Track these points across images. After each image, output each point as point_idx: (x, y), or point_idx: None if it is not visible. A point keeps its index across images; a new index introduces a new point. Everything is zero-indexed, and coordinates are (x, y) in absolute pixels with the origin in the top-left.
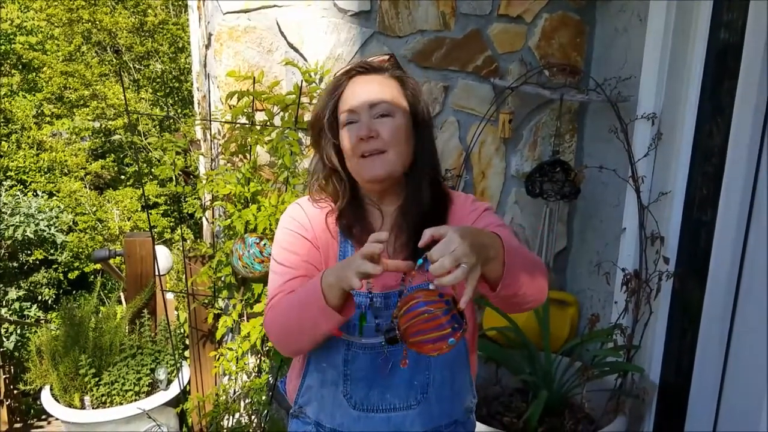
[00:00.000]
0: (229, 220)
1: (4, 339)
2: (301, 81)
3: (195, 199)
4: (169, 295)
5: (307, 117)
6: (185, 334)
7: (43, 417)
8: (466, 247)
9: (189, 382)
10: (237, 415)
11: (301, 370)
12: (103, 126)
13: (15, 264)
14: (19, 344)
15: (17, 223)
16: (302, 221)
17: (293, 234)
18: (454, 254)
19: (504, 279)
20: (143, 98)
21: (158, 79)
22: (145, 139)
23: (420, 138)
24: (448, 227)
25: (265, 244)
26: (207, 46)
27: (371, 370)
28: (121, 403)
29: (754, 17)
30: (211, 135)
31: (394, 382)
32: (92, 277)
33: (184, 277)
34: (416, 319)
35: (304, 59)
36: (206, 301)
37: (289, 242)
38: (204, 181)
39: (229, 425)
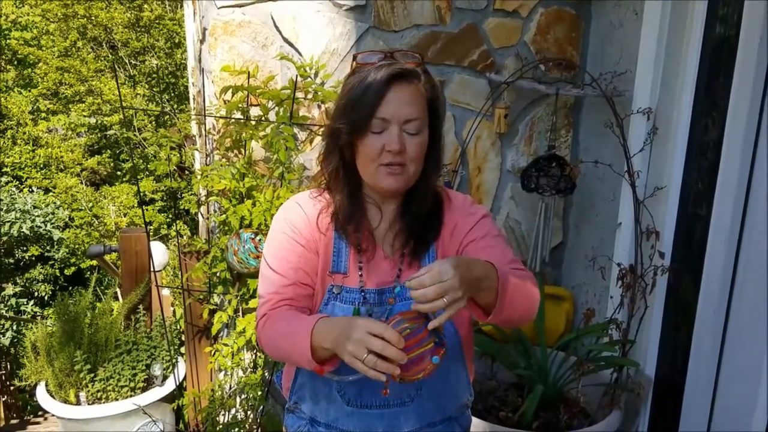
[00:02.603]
0: (224, 216)
1: (0, 335)
2: (296, 76)
3: (191, 194)
4: (165, 291)
5: (303, 112)
6: (181, 330)
7: (39, 413)
8: (456, 281)
9: (185, 378)
10: (233, 410)
11: (294, 367)
12: (99, 122)
13: (11, 260)
14: (15, 340)
15: (13, 220)
16: (296, 223)
17: (287, 239)
18: (441, 286)
19: (496, 308)
20: (139, 94)
21: (154, 75)
22: (140, 134)
23: (433, 145)
24: (439, 261)
25: (260, 240)
26: (202, 41)
27: None
28: (117, 399)
29: (749, 11)
30: (205, 130)
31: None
32: (88, 273)
33: (179, 272)
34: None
35: (299, 54)
36: (201, 296)
37: (282, 247)
38: (199, 177)
39: (225, 421)
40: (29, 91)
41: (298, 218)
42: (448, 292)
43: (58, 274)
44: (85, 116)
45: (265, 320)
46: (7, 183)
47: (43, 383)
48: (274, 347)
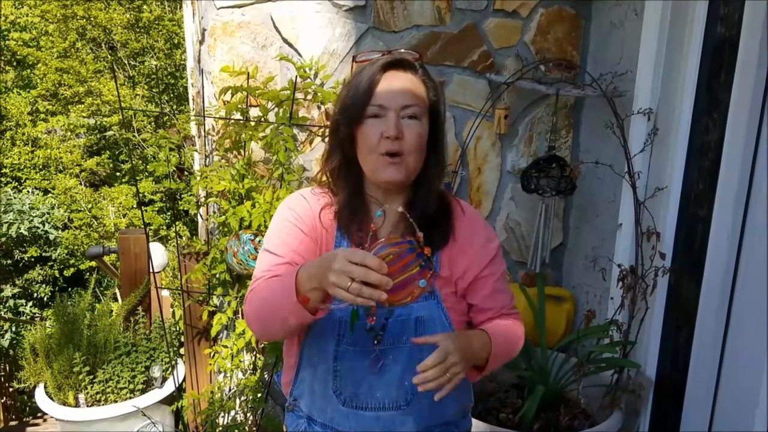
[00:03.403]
0: (223, 217)
1: None
2: (296, 76)
3: (190, 195)
4: (165, 293)
5: (302, 113)
6: (180, 332)
7: (39, 414)
8: (457, 358)
9: (184, 380)
10: (232, 412)
11: (296, 362)
12: (98, 123)
13: (9, 261)
14: (14, 342)
15: (11, 221)
16: (300, 212)
17: (289, 225)
18: (445, 366)
19: (485, 370)
20: (138, 94)
21: (153, 76)
22: (139, 135)
23: (435, 143)
24: (443, 336)
25: (259, 241)
26: (201, 42)
27: (361, 367)
28: (116, 401)
29: (750, 11)
30: (205, 131)
31: (385, 381)
32: (87, 274)
33: (179, 274)
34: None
35: (299, 54)
36: (201, 298)
37: (282, 231)
38: (198, 178)
39: (225, 423)
40: (28, 92)
41: (302, 208)
42: (451, 370)
43: (57, 275)
44: (84, 117)
45: (252, 291)
46: (6, 184)
47: (42, 385)
48: (259, 310)
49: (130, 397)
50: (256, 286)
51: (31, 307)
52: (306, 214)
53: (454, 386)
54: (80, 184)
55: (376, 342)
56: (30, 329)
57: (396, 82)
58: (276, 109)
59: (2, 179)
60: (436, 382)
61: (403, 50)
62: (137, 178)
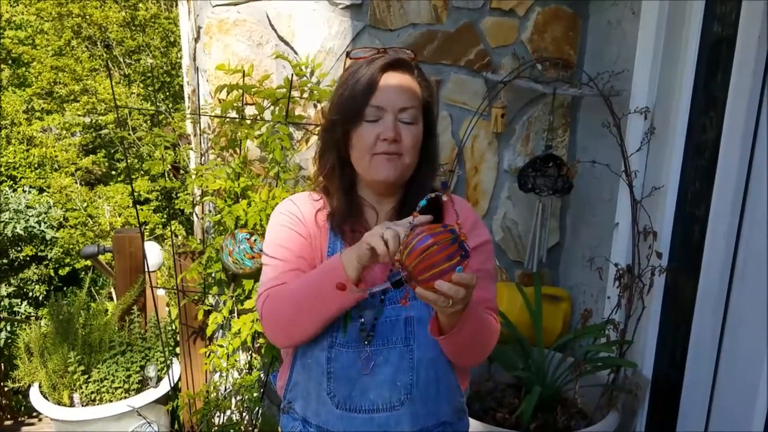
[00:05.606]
0: (219, 216)
1: None
2: (292, 75)
3: (186, 194)
4: (160, 292)
5: (299, 111)
6: (176, 331)
7: (34, 414)
8: (468, 299)
9: (179, 379)
10: (228, 412)
11: (289, 365)
12: (94, 121)
13: (5, 261)
14: (9, 341)
15: (6, 220)
16: (293, 215)
17: (286, 230)
18: (461, 292)
19: (447, 337)
20: (134, 93)
21: (149, 74)
22: (135, 133)
23: (427, 143)
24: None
25: (255, 240)
26: (196, 40)
27: (353, 369)
28: (111, 401)
29: (747, 10)
30: (200, 129)
31: (377, 382)
32: (83, 273)
33: (174, 273)
34: (425, 254)
35: (295, 52)
36: (196, 297)
37: (282, 238)
38: (193, 176)
39: (220, 422)
40: (23, 90)
41: (294, 211)
42: (459, 296)
43: (52, 274)
44: (79, 115)
45: (267, 295)
46: (1, 183)
47: (36, 384)
48: (292, 305)
49: (125, 397)
50: (275, 292)
51: (26, 306)
52: (298, 216)
53: (439, 307)
54: (75, 182)
55: (366, 342)
56: (25, 328)
57: (395, 84)
58: (272, 108)
59: None
60: (433, 297)
61: (398, 48)
62: (133, 176)
